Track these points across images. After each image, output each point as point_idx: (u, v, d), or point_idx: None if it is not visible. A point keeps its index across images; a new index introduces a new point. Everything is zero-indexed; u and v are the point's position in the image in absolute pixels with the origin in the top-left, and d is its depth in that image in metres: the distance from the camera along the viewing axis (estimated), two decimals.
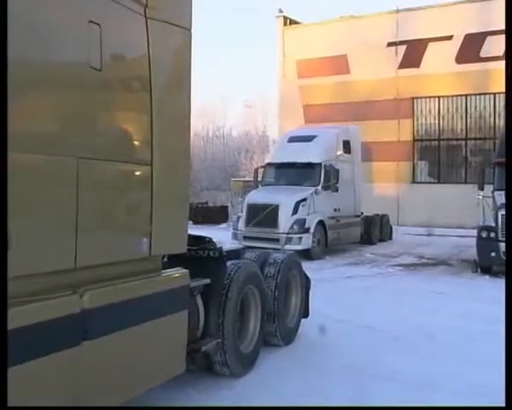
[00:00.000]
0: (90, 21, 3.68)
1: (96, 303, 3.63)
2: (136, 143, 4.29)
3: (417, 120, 25.52)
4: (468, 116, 24.51)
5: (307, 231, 14.67)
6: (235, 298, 5.39)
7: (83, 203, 3.62)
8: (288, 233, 14.59)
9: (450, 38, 23.69)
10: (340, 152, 17.14)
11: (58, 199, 3.54)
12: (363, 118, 22.82)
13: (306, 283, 7.16)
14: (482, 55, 22.63)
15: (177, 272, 4.62)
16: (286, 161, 16.43)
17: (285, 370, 5.87)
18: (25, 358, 3.11)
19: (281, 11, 28.72)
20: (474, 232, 12.87)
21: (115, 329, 3.81)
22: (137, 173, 4.25)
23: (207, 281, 5.15)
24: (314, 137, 16.91)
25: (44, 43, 3.46)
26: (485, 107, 23.97)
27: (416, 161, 25.85)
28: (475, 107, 24.29)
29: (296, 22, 28.95)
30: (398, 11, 25.02)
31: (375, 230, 19.22)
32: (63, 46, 3.61)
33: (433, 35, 23.81)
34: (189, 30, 4.74)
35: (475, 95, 23.97)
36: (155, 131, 4.29)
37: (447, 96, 24.74)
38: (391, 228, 20.83)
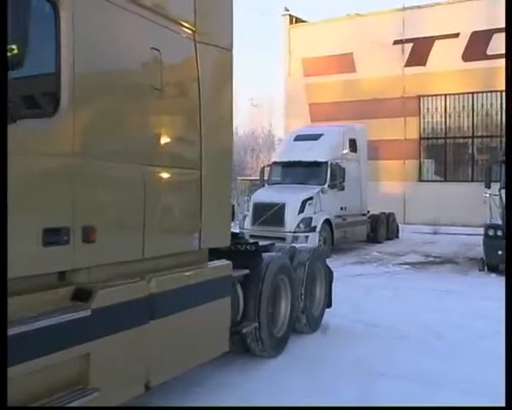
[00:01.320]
0: (152, 48, 4.38)
1: (160, 288, 4.31)
2: (188, 151, 4.99)
3: (424, 118, 25.43)
4: (475, 114, 24.42)
5: (313, 229, 14.68)
6: (270, 287, 6.04)
7: (148, 204, 4.33)
8: (294, 232, 14.59)
9: (456, 35, 23.60)
10: (346, 150, 17.12)
11: (131, 200, 4.24)
12: (370, 116, 22.78)
13: (329, 275, 7.70)
14: (489, 52, 22.53)
15: (222, 264, 5.31)
16: (292, 159, 16.43)
17: (293, 367, 5.91)
18: (105, 333, 3.74)
19: (287, 10, 28.71)
20: (481, 231, 12.85)
21: (175, 311, 4.49)
22: (189, 178, 4.95)
23: (246, 271, 5.82)
24: (320, 135, 16.90)
25: (118, 70, 4.16)
26: (491, 104, 23.87)
27: (422, 160, 25.77)
28: (482, 104, 24.20)
29: (302, 21, 28.91)
30: (404, 9, 24.95)
31: (381, 228, 19.20)
32: (133, 71, 4.34)
33: (439, 33, 23.71)
34: (231, 50, 5.50)
35: (482, 92, 23.88)
36: (203, 141, 5.01)
37: (454, 94, 24.64)
38: (397, 226, 20.80)
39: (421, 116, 25.38)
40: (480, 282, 11.46)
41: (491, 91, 23.33)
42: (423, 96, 25.07)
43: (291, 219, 14.74)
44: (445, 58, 23.59)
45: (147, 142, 4.39)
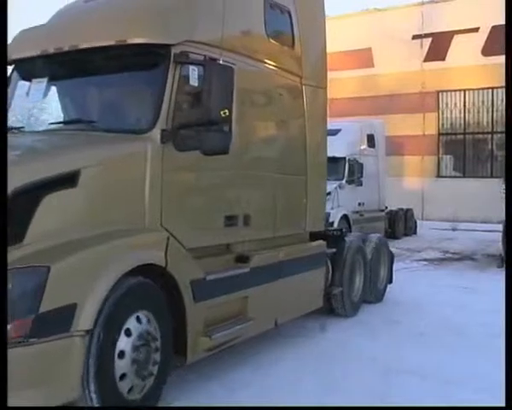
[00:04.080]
0: (276, 93, 6.43)
1: (285, 257, 6.33)
2: (299, 164, 6.93)
3: (442, 114, 25.27)
4: (495, 109, 24.19)
5: (331, 225, 14.61)
6: (350, 263, 7.99)
7: (276, 199, 6.36)
8: None
9: (476, 29, 23.40)
10: (364, 146, 17.09)
11: (268, 197, 6.26)
12: (388, 111, 22.71)
13: (391, 257, 9.58)
14: None
15: (320, 243, 7.38)
16: None
17: (308, 363, 5.94)
18: (256, 284, 5.70)
19: None
20: (500, 227, 12.76)
21: (292, 273, 6.42)
22: (300, 181, 6.96)
23: (334, 250, 7.76)
24: (338, 131, 16.82)
25: (261, 112, 6.28)
26: None
27: (441, 155, 25.62)
28: (502, 99, 23.89)
29: None
30: (423, 3, 24.79)
31: (399, 224, 19.14)
32: (269, 111, 6.37)
33: (458, 27, 23.53)
34: (325, 88, 7.62)
35: (502, 87, 23.46)
36: (308, 155, 7.03)
37: (473, 89, 24.45)
38: (415, 223, 20.71)
39: (440, 111, 25.22)
40: (499, 279, 11.36)
41: None
42: (442, 91, 24.91)
43: None
44: (465, 53, 23.40)
45: (276, 158, 6.40)
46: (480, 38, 23.33)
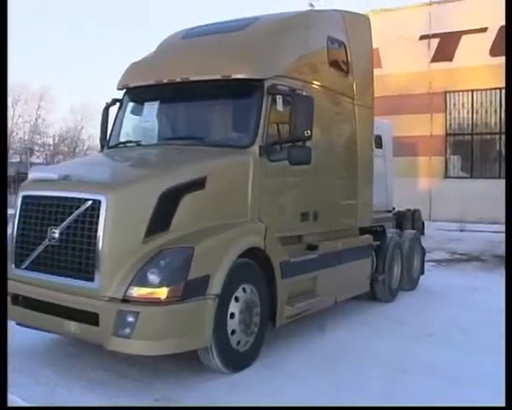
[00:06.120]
0: (336, 113, 7.85)
1: (343, 247, 7.71)
2: (352, 170, 8.29)
3: (450, 114, 25.11)
4: (503, 110, 24.02)
5: None
6: (390, 255, 9.41)
7: (336, 199, 7.80)
8: None
9: (484, 30, 23.23)
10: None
11: (329, 198, 7.52)
12: (395, 112, 22.57)
13: (423, 251, 10.99)
14: None
15: (367, 236, 8.83)
16: None
17: (316, 364, 5.95)
18: (323, 267, 7.09)
19: (311, 5, 28.56)
20: None
21: (348, 261, 7.81)
22: (353, 185, 8.30)
23: (378, 243, 9.14)
24: None
25: (325, 128, 7.40)
26: None
27: (448, 156, 25.47)
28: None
29: None
30: (430, 4, 24.67)
31: (406, 225, 18.94)
32: (330, 127, 7.65)
33: (466, 27, 23.36)
34: (372, 107, 8.99)
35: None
36: (359, 161, 8.36)
37: (481, 90, 24.29)
38: (423, 223, 20.54)
39: (448, 112, 25.08)
40: None
41: None
42: (450, 91, 24.77)
43: None
44: (473, 53, 23.25)
45: (335, 165, 7.75)
46: (488, 39, 23.17)
